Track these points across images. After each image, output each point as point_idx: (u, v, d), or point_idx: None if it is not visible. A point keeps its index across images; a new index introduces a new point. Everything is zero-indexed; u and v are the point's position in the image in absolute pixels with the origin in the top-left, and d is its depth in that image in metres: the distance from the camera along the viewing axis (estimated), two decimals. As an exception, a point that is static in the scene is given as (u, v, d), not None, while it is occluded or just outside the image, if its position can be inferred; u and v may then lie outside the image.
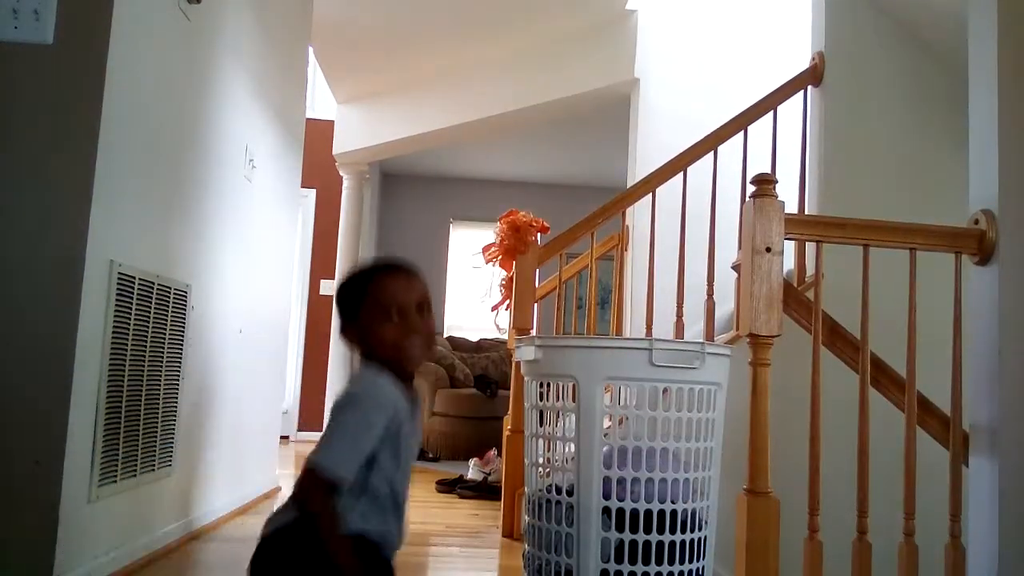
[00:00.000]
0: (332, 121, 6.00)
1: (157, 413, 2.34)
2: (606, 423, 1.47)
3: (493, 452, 4.30)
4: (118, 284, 2.04)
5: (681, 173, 3.27)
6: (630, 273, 4.05)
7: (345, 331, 1.43)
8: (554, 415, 1.54)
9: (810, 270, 2.96)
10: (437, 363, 5.94)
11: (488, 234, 3.96)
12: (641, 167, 4.17)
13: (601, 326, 6.73)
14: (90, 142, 1.90)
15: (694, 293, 3.17)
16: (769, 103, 3.23)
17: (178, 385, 2.49)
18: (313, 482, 1.25)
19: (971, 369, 1.99)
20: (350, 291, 1.42)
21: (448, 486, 4.11)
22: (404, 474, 1.40)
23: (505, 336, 4.06)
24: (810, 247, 2.78)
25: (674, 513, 1.43)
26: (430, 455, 5.62)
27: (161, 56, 2.29)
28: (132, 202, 2.15)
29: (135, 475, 2.21)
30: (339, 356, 5.94)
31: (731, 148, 3.25)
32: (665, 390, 1.43)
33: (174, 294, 2.40)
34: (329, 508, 1.26)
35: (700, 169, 3.26)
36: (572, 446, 1.47)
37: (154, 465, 2.34)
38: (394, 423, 1.32)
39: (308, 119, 4.36)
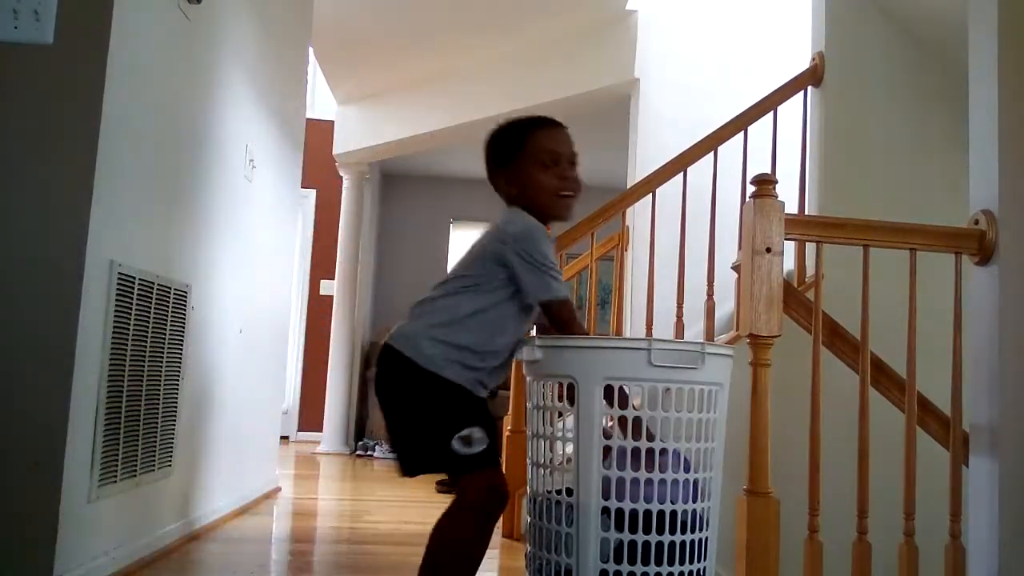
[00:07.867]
0: (332, 121, 5.99)
1: (157, 413, 2.34)
2: (606, 423, 1.47)
3: (493, 452, 4.30)
4: (118, 284, 2.04)
5: (681, 173, 3.27)
6: (630, 273, 4.05)
7: (494, 175, 1.63)
8: (554, 415, 1.54)
9: (810, 270, 2.97)
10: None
11: (488, 234, 3.95)
12: (641, 167, 4.17)
13: (601, 326, 6.72)
14: (90, 142, 1.90)
15: (694, 293, 3.17)
16: (769, 103, 3.23)
17: (178, 385, 2.49)
18: (568, 309, 1.51)
19: (971, 369, 1.99)
20: (507, 138, 1.60)
21: (448, 486, 4.11)
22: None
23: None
24: (810, 247, 2.78)
25: (674, 514, 1.43)
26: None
27: (161, 56, 2.29)
28: (132, 202, 2.15)
29: (135, 475, 2.21)
30: (339, 356, 5.93)
31: (731, 148, 3.25)
32: (666, 390, 1.43)
33: (174, 294, 2.40)
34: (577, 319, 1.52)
35: (700, 169, 3.26)
36: (572, 446, 1.47)
37: (154, 465, 2.34)
38: None
39: (308, 119, 4.36)
